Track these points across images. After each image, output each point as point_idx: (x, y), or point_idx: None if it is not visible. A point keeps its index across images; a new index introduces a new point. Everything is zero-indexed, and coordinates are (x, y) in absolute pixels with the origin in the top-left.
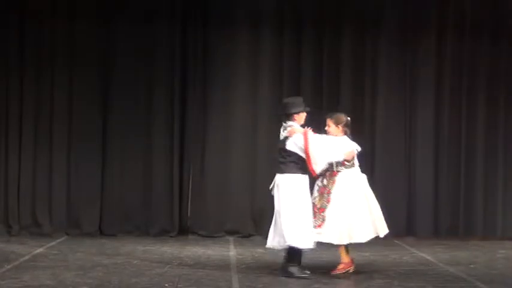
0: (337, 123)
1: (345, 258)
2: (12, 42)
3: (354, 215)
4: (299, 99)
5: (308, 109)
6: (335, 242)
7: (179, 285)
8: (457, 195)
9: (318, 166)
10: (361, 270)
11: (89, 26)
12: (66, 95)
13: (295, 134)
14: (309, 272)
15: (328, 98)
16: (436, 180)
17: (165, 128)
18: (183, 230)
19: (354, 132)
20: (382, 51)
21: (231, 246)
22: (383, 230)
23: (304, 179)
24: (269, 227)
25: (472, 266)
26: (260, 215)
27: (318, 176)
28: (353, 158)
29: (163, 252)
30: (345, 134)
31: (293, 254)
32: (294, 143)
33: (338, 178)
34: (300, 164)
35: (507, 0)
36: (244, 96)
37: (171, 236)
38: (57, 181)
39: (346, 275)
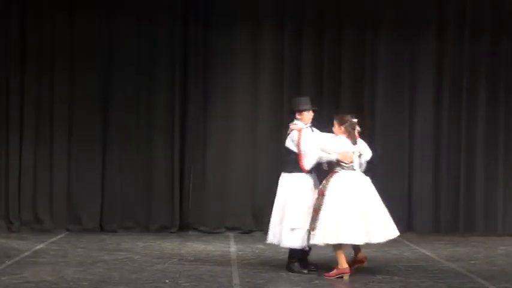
0: (340, 124)
1: (342, 263)
2: (12, 42)
3: (345, 215)
4: (305, 99)
5: (314, 108)
6: (320, 243)
7: (180, 281)
8: (457, 191)
9: (308, 162)
10: (361, 266)
11: (89, 25)
12: (67, 91)
13: (293, 131)
14: (306, 271)
15: (328, 97)
16: (437, 176)
17: (166, 123)
18: (183, 226)
19: None
20: (382, 50)
21: (232, 242)
22: (382, 236)
23: (307, 178)
24: (269, 223)
25: (472, 262)
26: (260, 211)
27: (323, 178)
28: (351, 160)
29: (164, 248)
30: (349, 135)
31: (293, 252)
32: (291, 140)
33: (333, 179)
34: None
35: None
36: (244, 94)
37: (171, 232)
38: (57, 177)
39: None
